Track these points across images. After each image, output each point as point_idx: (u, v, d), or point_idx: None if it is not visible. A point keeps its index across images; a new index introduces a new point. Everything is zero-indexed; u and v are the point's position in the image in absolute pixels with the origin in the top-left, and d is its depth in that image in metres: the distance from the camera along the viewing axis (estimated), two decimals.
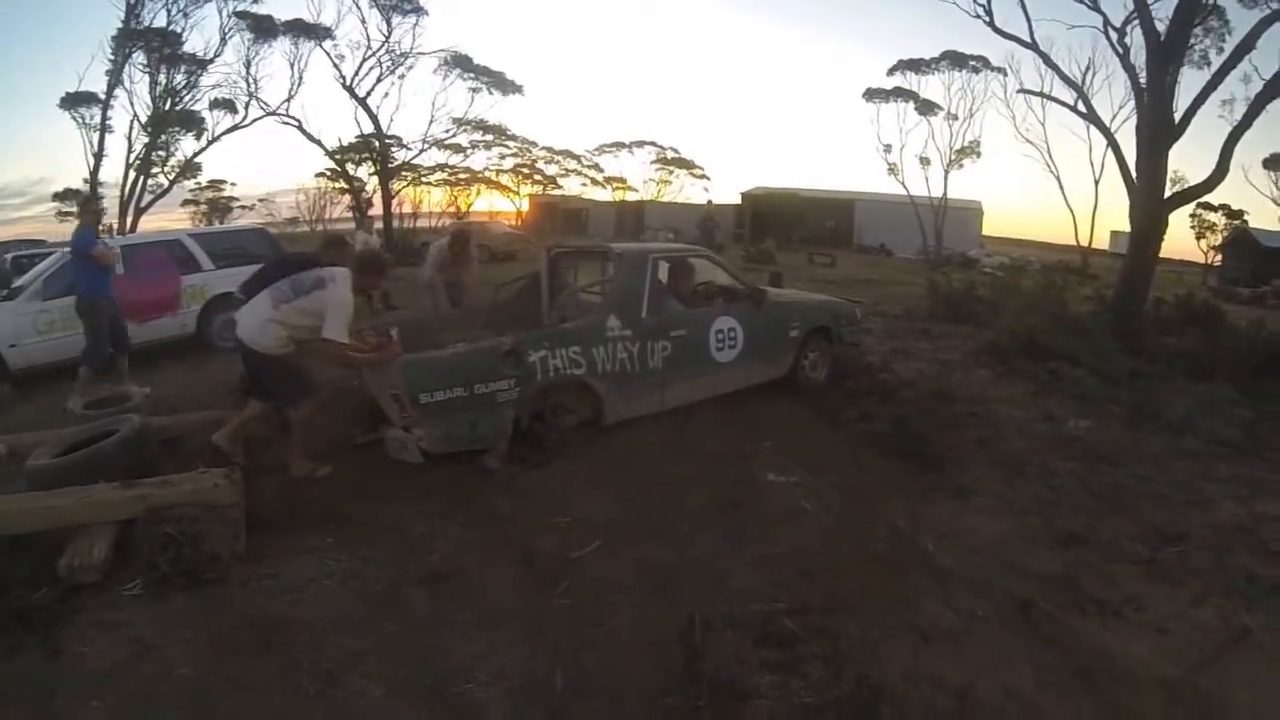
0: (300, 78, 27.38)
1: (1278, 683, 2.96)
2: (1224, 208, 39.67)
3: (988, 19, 13.86)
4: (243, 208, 40.86)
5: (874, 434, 5.57)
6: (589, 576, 3.60)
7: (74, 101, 26.69)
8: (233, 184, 40.25)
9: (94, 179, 26.78)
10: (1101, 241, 33.52)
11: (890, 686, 2.77)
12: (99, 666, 2.91)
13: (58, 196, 36.76)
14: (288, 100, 27.53)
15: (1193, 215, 39.79)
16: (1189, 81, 10.73)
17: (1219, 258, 39.57)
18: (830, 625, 3.15)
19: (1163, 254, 11.18)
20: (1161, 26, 10.52)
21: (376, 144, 29.97)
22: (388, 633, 3.14)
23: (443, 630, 3.16)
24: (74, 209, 33.71)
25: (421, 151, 32.96)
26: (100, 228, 8.92)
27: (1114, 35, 11.97)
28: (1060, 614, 3.35)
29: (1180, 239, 41.96)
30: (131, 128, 26.01)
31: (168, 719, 2.65)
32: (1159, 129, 10.44)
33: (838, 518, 4.32)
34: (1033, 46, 13.60)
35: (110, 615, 3.23)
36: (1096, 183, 32.42)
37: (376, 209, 30.08)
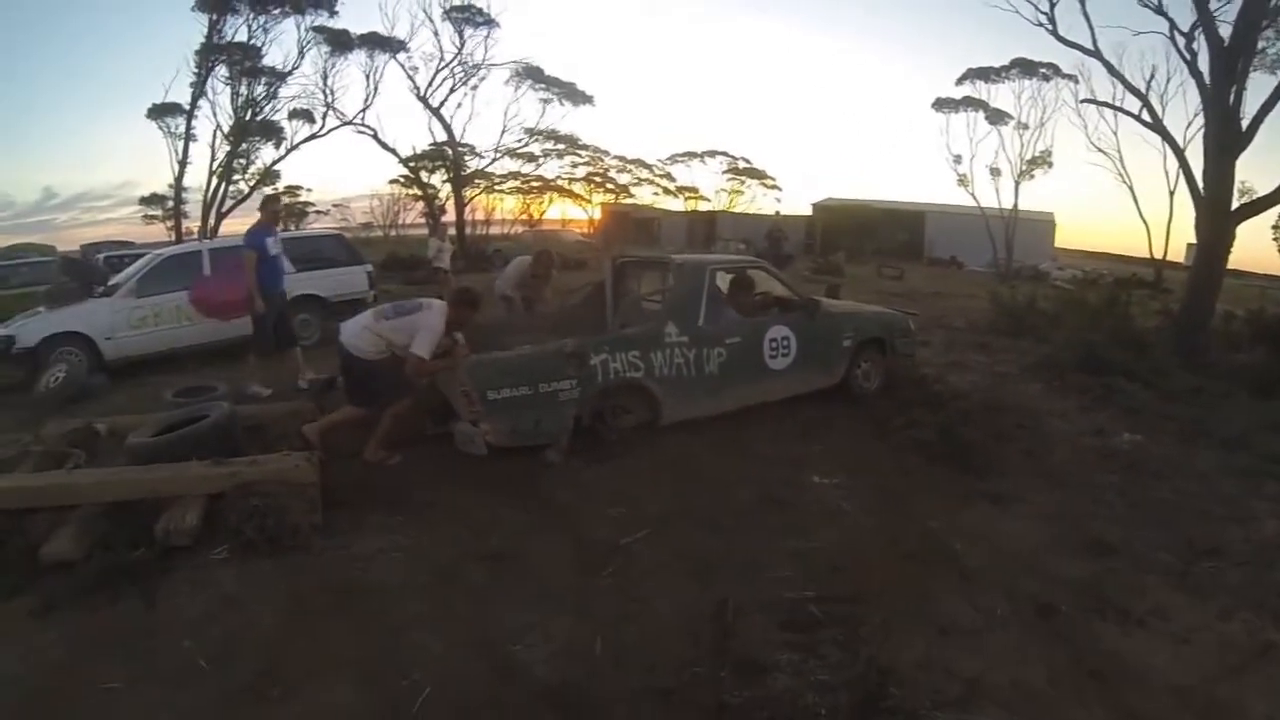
0: (375, 89, 28.29)
1: None
2: None
3: (1051, 27, 13.60)
4: (318, 213, 42.21)
5: (920, 442, 5.67)
6: (636, 561, 3.89)
7: (160, 112, 27.97)
8: (309, 190, 41.57)
9: (178, 185, 28.26)
10: (1178, 254, 31.98)
11: (901, 671, 2.95)
12: (191, 615, 3.35)
13: (143, 201, 38.69)
14: (363, 110, 28.52)
15: (1275, 227, 37.85)
16: (1263, 87, 10.31)
17: None
18: (853, 614, 3.35)
19: (1247, 269, 10.88)
20: (1227, 31, 10.20)
21: (449, 152, 30.80)
22: (448, 600, 3.50)
23: (498, 600, 3.50)
24: (158, 213, 35.48)
25: (494, 160, 33.67)
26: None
27: (1181, 41, 11.60)
28: (1081, 619, 3.46)
29: (1265, 252, 39.64)
30: (214, 137, 27.33)
31: (250, 661, 3.03)
32: (1225, 137, 10.14)
33: (875, 518, 4.50)
34: (1096, 54, 13.29)
35: (200, 575, 3.68)
36: (1171, 194, 30.86)
37: (449, 215, 30.87)
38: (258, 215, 7.81)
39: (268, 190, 33.28)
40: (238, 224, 29.46)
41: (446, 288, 13.11)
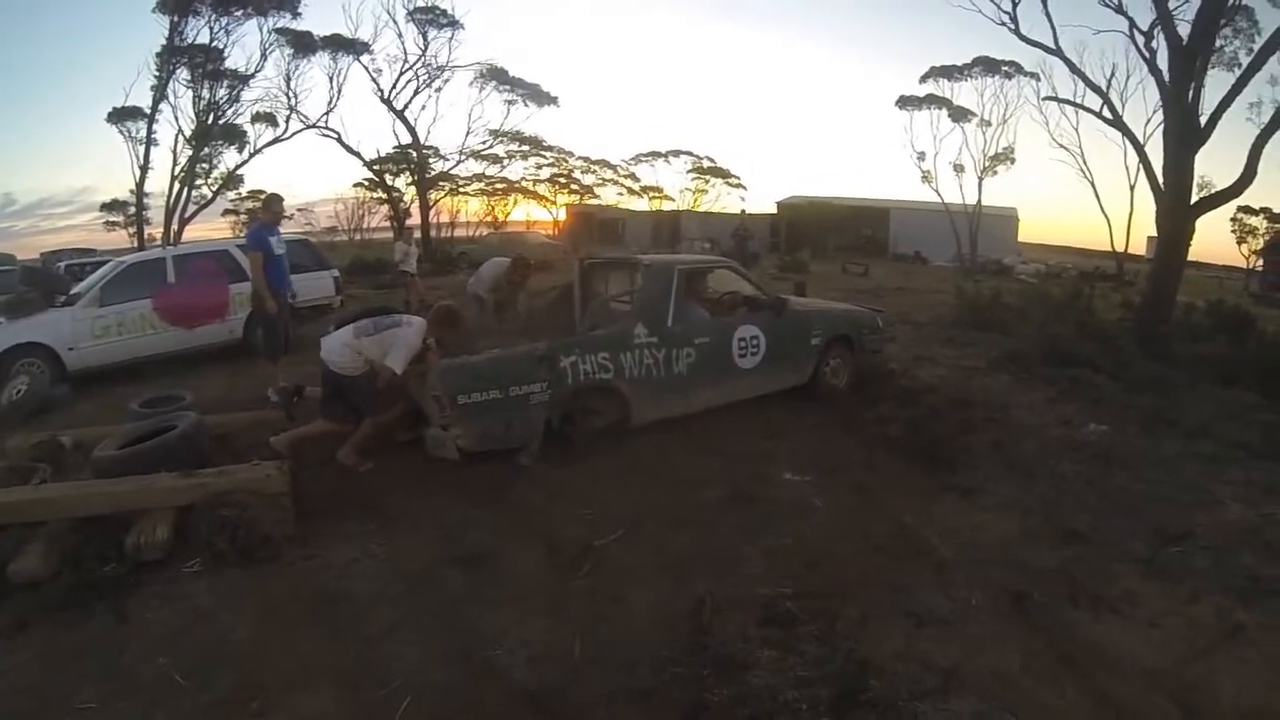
0: (339, 91, 28.13)
1: (1264, 674, 3.07)
2: (1265, 211, 38.67)
3: (1013, 26, 13.89)
4: (283, 217, 41.61)
5: (890, 437, 5.72)
6: (610, 561, 3.89)
7: (121, 116, 27.50)
8: None
9: (140, 190, 27.80)
10: (1139, 247, 32.62)
11: (880, 664, 2.97)
12: (164, 630, 3.29)
13: (104, 207, 38.01)
14: (327, 113, 28.34)
15: (1233, 219, 38.81)
16: (1222, 85, 10.60)
17: (1260, 262, 38.51)
18: (830, 609, 3.37)
19: (1206, 260, 11.17)
20: (1186, 29, 10.44)
21: (414, 155, 30.64)
22: (423, 606, 3.47)
23: (474, 605, 3.47)
24: (120, 219, 34.93)
25: (459, 162, 33.61)
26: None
27: (1140, 39, 11.86)
28: (1054, 606, 3.51)
29: (1223, 244, 40.63)
30: (176, 141, 26.95)
31: (226, 674, 2.98)
32: (1184, 133, 10.39)
33: (847, 513, 4.53)
34: (1057, 53, 13.58)
35: (172, 588, 3.62)
36: (1132, 188, 31.44)
37: (415, 218, 30.66)
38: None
39: (231, 194, 32.95)
40: (201, 230, 29.03)
41: (413, 291, 13.05)
